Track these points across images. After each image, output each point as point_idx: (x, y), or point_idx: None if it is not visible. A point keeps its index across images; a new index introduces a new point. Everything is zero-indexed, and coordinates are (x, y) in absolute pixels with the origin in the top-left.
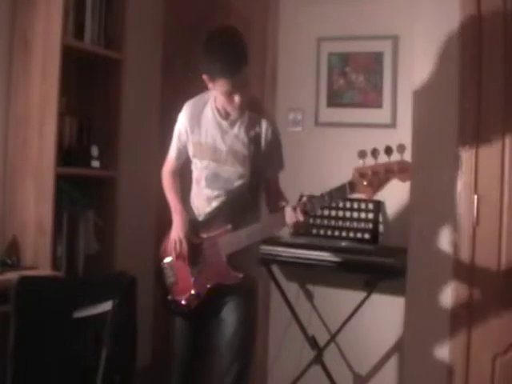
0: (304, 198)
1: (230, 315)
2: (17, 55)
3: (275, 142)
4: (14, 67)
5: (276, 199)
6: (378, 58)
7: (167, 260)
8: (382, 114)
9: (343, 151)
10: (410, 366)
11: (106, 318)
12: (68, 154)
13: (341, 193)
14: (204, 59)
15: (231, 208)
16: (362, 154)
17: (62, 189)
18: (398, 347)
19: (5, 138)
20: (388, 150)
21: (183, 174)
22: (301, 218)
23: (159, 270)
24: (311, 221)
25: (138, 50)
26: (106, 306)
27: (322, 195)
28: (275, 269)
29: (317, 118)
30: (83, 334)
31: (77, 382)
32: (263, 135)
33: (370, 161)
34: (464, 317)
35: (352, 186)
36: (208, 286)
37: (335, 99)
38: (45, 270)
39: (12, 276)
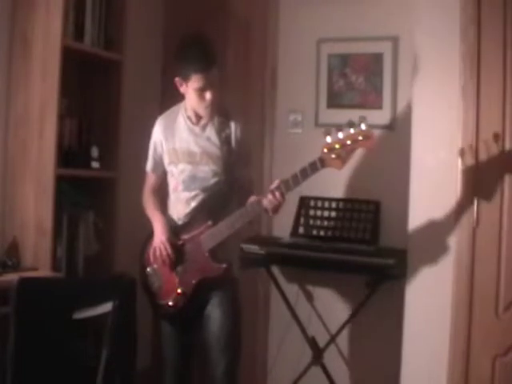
0: (277, 181)
1: (214, 310)
2: (17, 56)
3: (244, 142)
4: (13, 68)
5: (247, 195)
6: (377, 59)
7: (151, 268)
8: (381, 115)
9: None
10: (409, 366)
11: (106, 319)
12: (68, 155)
13: (312, 169)
14: (178, 61)
15: (210, 205)
16: (327, 132)
17: (61, 190)
18: (398, 348)
19: (5, 139)
20: (351, 124)
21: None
22: (279, 199)
23: (144, 278)
24: (311, 222)
25: (137, 51)
26: (106, 307)
27: (295, 174)
28: (275, 270)
29: (317, 119)
30: (83, 334)
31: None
32: (233, 135)
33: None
34: (464, 318)
35: (322, 160)
36: (193, 281)
37: (335, 100)
38: (45, 271)
39: (12, 277)
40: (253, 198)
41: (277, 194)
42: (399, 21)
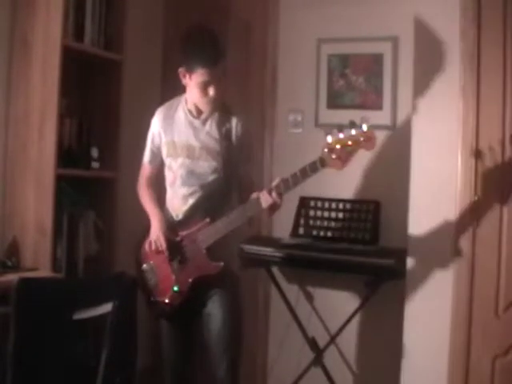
0: (277, 180)
1: (215, 308)
2: (17, 56)
3: (245, 138)
4: (14, 68)
5: (249, 192)
6: (377, 59)
7: (147, 264)
8: (382, 116)
9: None
10: (410, 366)
11: (106, 319)
12: (68, 155)
13: (312, 168)
14: (183, 52)
15: (208, 202)
16: (328, 132)
17: (62, 190)
18: (398, 348)
19: (5, 139)
20: (352, 125)
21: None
22: (277, 199)
23: (140, 275)
24: (311, 222)
25: (137, 51)
26: (106, 307)
27: (295, 173)
28: (275, 270)
29: (317, 120)
30: (83, 335)
31: None
32: (233, 131)
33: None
34: (464, 318)
35: (322, 160)
36: (190, 280)
37: (335, 101)
38: (45, 272)
39: (12, 277)
40: (255, 195)
41: (273, 193)
42: (399, 21)
